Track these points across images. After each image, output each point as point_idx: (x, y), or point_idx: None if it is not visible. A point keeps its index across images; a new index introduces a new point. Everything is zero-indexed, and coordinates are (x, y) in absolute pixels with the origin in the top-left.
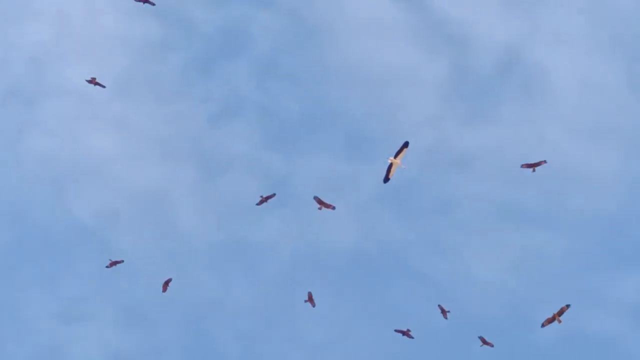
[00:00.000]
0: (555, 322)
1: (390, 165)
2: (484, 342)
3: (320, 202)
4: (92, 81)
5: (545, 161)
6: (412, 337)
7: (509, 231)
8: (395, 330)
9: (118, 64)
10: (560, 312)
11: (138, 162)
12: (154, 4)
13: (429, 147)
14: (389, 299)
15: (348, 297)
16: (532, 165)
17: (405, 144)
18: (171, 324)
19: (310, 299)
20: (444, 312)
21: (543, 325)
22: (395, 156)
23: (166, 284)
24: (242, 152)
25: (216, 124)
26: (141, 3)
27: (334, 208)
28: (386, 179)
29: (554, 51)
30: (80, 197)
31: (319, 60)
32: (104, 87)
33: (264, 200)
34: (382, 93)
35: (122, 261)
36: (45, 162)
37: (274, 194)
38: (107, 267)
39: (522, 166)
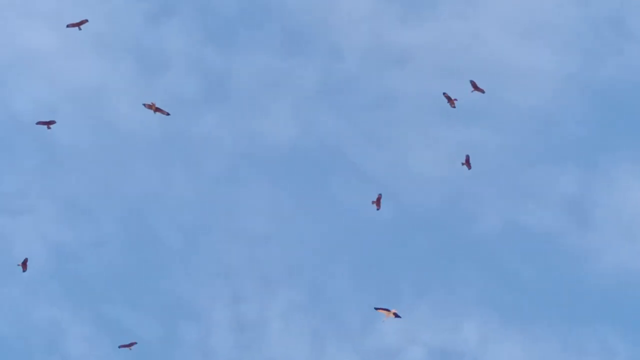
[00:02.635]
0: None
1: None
2: (475, 87)
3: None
4: (153, 107)
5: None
6: None
7: (446, 127)
8: None
9: None
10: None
11: (75, 58)
12: None
13: (367, 43)
14: (328, 193)
15: (288, 191)
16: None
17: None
18: (112, 217)
19: (377, 201)
20: (451, 100)
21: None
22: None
23: (24, 264)
24: (180, 49)
25: (153, 21)
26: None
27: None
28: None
29: None
30: (19, 92)
31: None
32: (168, 114)
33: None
34: None
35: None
36: None
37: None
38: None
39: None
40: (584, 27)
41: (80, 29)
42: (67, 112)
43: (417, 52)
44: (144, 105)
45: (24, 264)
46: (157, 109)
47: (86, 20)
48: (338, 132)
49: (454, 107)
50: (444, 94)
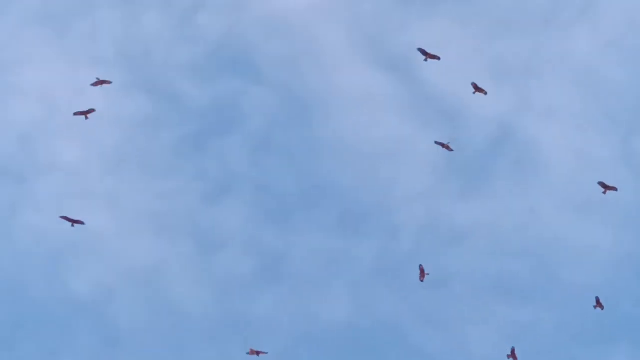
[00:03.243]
0: None
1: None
2: (477, 88)
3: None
4: (98, 83)
5: None
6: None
7: (503, 305)
8: None
9: (109, 141)
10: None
11: (132, 238)
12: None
13: (423, 222)
14: None
15: None
16: None
17: None
18: None
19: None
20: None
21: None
22: None
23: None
24: (236, 229)
25: (210, 200)
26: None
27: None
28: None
29: (547, 125)
30: (76, 273)
31: (311, 135)
32: (110, 82)
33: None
34: (375, 168)
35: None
36: (39, 238)
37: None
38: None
39: None
40: None
41: (87, 118)
42: (125, 292)
43: (473, 230)
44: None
45: None
46: (102, 82)
47: (93, 110)
48: (394, 311)
49: (451, 150)
50: (435, 142)
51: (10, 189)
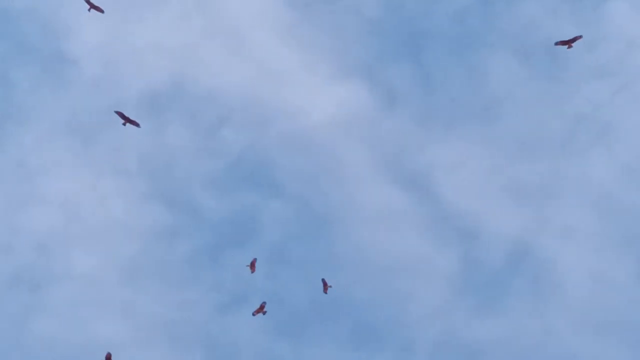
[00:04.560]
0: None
1: None
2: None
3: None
4: (91, 6)
5: (580, 36)
6: None
7: None
8: None
9: (126, 251)
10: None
11: (146, 348)
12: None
13: (438, 337)
14: None
15: None
16: (568, 42)
17: None
18: None
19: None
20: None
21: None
22: None
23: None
24: (250, 340)
25: (225, 311)
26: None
27: None
28: None
29: (564, 245)
30: None
31: (328, 249)
32: (102, 11)
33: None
34: (391, 283)
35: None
36: (51, 347)
37: None
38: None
39: (556, 43)
40: None
41: (125, 124)
42: None
43: (488, 347)
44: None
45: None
46: (94, 7)
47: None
48: None
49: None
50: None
51: (23, 297)
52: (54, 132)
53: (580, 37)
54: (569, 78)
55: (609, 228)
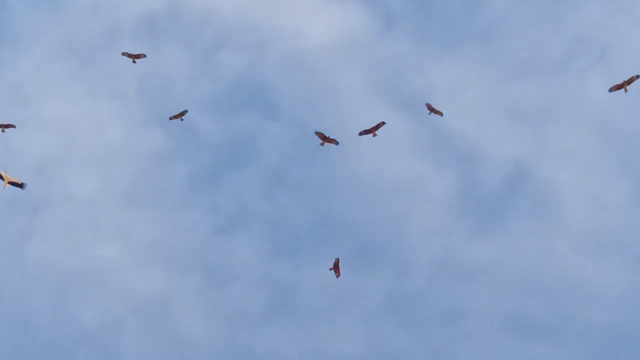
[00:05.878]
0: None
1: None
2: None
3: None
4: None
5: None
6: None
7: (515, 343)
8: None
9: (124, 174)
10: (630, 81)
11: (142, 271)
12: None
13: (436, 259)
14: None
15: None
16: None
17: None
18: None
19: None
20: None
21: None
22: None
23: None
24: (248, 262)
25: (222, 234)
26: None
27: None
28: None
29: (562, 167)
30: (84, 305)
31: (326, 171)
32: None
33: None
34: (389, 205)
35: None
36: (47, 269)
37: None
38: None
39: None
40: None
41: (134, 61)
42: (132, 323)
43: (486, 268)
44: None
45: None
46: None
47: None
48: (404, 347)
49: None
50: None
51: (21, 220)
52: (51, 56)
53: None
54: None
55: (607, 149)
